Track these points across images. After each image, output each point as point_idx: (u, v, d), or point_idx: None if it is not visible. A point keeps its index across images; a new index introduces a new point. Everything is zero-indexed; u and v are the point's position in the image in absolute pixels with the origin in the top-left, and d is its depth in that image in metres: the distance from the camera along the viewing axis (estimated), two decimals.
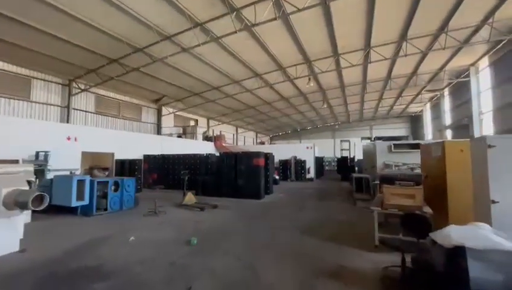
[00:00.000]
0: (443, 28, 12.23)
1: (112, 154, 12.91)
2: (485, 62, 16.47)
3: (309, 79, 16.29)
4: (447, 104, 23.06)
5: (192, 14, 9.96)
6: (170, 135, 20.83)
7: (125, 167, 12.14)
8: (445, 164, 4.25)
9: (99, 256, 4.15)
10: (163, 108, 20.92)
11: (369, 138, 19.91)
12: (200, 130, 24.88)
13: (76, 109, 15.05)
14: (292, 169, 17.83)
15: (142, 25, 10.37)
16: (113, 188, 7.66)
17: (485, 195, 3.18)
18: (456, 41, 12.65)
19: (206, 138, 22.86)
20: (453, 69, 17.95)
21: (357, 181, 9.63)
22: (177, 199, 8.91)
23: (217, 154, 13.99)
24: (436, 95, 24.59)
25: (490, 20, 11.41)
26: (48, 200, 4.35)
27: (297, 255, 4.12)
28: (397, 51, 13.94)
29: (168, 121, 21.58)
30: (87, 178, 6.92)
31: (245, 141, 34.15)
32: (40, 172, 8.02)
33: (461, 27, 12.03)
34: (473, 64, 17.37)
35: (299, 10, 9.08)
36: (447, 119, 22.97)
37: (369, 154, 10.51)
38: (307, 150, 18.91)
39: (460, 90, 19.89)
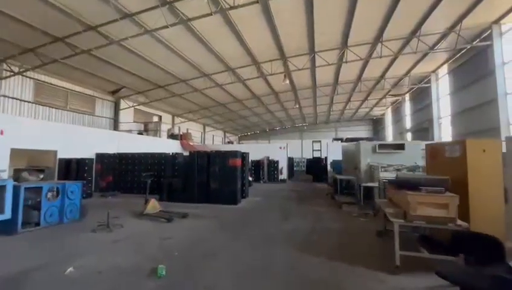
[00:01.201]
0: (415, 32, 12.51)
1: (54, 153, 10.64)
2: (444, 70, 17.60)
3: (284, 76, 15.66)
4: (407, 108, 24.46)
5: None
6: (129, 131, 18.55)
7: (72, 168, 10.06)
8: (466, 166, 3.68)
9: None
10: (122, 101, 18.55)
11: (341, 139, 20.07)
12: (165, 127, 22.79)
13: (8, 97, 12.28)
14: (265, 170, 17.03)
15: None
16: (49, 195, 5.91)
17: None
18: (426, 46, 13.05)
19: (172, 136, 20.96)
20: (415, 75, 18.88)
21: (341, 183, 9.09)
22: (138, 207, 7.39)
23: (185, 153, 12.52)
24: (398, 99, 26.03)
25: (457, 28, 11.94)
26: None
27: (306, 285, 3.18)
28: (371, 53, 14.02)
29: (127, 116, 19.22)
30: (9, 183, 5.11)
31: (213, 140, 32.56)
32: None
33: (431, 32, 12.42)
34: (433, 71, 18.47)
35: None
36: (408, 122, 24.38)
37: (350, 155, 10.11)
38: (279, 151, 18.30)
39: (421, 95, 21.14)
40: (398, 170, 7.56)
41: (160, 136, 18.61)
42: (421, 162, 8.10)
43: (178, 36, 11.62)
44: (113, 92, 17.69)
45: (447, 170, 3.94)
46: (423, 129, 20.37)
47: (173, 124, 24.89)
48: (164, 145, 18.14)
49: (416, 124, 22.10)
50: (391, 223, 5.06)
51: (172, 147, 18.71)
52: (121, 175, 11.52)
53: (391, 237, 4.85)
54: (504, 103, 11.75)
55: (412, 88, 21.21)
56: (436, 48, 13.26)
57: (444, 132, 17.91)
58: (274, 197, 10.76)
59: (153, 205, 6.96)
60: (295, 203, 9.26)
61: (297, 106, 23.52)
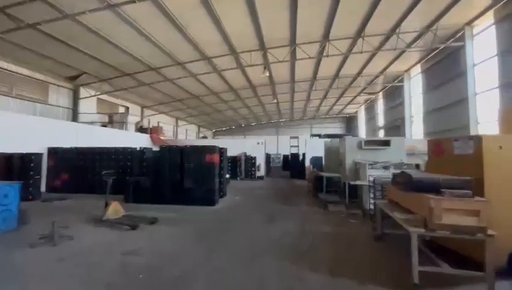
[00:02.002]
0: (395, 29, 12.50)
1: None
2: (417, 69, 18.16)
3: (264, 68, 14.94)
4: (380, 106, 25.18)
5: None
6: (91, 123, 16.62)
7: (14, 165, 8.41)
8: (482, 165, 3.26)
9: None
10: (82, 89, 16.50)
11: (319, 135, 19.95)
12: (133, 120, 20.90)
13: None
14: (242, 167, 16.27)
15: None
16: None
17: None
18: (404, 43, 13.14)
19: (140, 129, 19.26)
20: (389, 73, 19.31)
21: (327, 181, 8.65)
22: (97, 211, 6.22)
23: (155, 148, 11.29)
24: (371, 97, 26.74)
25: (434, 27, 12.12)
26: None
27: None
28: (352, 47, 13.84)
29: (88, 106, 17.19)
30: None
31: (187, 134, 30.98)
32: None
33: (410, 31, 12.49)
34: (407, 71, 19.01)
35: None
36: (381, 120, 25.13)
37: (333, 152, 9.72)
38: (257, 146, 17.63)
39: (393, 94, 21.79)
40: (385, 167, 7.25)
41: (126, 129, 16.90)
42: (405, 159, 7.91)
43: (148, 16, 10.32)
44: (72, 78, 15.62)
45: (456, 169, 3.50)
46: (395, 127, 21.04)
47: (142, 116, 23.02)
48: (131, 139, 16.51)
49: (389, 122, 22.81)
50: (388, 226, 4.64)
51: (140, 142, 17.10)
52: (79, 173, 9.99)
53: (390, 242, 4.43)
54: (474, 103, 12.22)
55: (386, 86, 21.78)
56: (413, 45, 13.41)
57: (416, 129, 18.59)
58: (254, 195, 10.07)
59: (115, 208, 5.87)
60: (277, 202, 8.64)
61: (275, 101, 23.00)
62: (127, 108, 21.43)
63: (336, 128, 37.45)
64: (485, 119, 11.82)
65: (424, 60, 16.72)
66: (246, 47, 13.74)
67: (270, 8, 10.43)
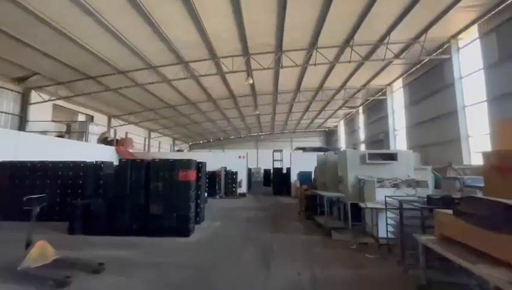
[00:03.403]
0: (383, 39, 12.10)
1: None
2: (399, 83, 18.15)
3: (248, 75, 13.79)
4: (361, 120, 25.10)
5: None
6: (44, 132, 14.17)
7: None
8: None
9: None
10: (34, 93, 14.12)
11: (303, 148, 18.98)
12: (99, 131, 18.42)
13: None
14: (222, 183, 14.60)
15: None
16: None
17: None
18: (392, 54, 12.76)
19: (105, 141, 16.93)
20: (371, 87, 19.17)
21: (322, 201, 7.33)
22: (20, 249, 4.22)
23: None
24: (352, 112, 26.71)
25: (421, 39, 11.87)
26: None
27: None
28: (339, 56, 13.23)
29: (42, 113, 14.75)
30: None
31: (160, 147, 28.66)
32: None
33: (397, 42, 12.16)
34: (389, 84, 18.98)
35: None
36: (361, 134, 24.96)
37: (327, 167, 8.56)
38: (238, 160, 16.13)
39: (374, 108, 21.73)
40: (395, 185, 6.16)
41: (87, 141, 14.60)
42: (414, 175, 6.91)
43: (115, 8, 8.81)
44: (20, 80, 13.26)
45: None
46: (378, 141, 20.77)
47: (109, 126, 20.61)
48: (93, 153, 14.22)
49: (371, 136, 22.59)
50: (437, 273, 3.39)
51: (105, 155, 14.84)
52: (10, 193, 7.74)
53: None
54: (463, 116, 11.93)
55: (368, 100, 21.67)
56: (401, 56, 13.09)
57: (399, 143, 18.32)
58: (237, 219, 8.45)
59: (41, 250, 4.03)
60: (268, 229, 7.10)
61: (257, 112, 21.86)
62: (91, 117, 19.03)
63: (316, 142, 37.11)
64: (474, 133, 11.49)
65: (406, 74, 16.69)
66: (227, 51, 12.57)
67: (256, 8, 9.41)
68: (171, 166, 6.20)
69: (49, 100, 14.36)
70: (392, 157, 6.88)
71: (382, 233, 5.27)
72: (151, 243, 5.49)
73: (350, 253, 4.92)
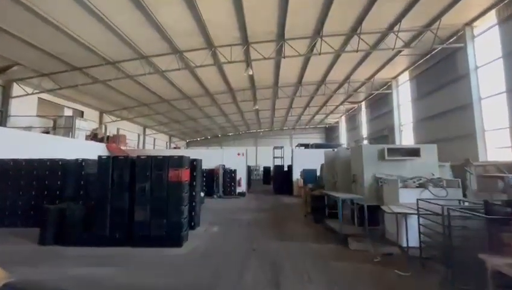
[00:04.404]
0: (392, 27, 11.22)
1: None
2: (405, 77, 17.30)
3: (247, 65, 12.84)
4: (364, 116, 24.27)
5: None
6: (28, 128, 13.19)
7: None
8: None
9: None
10: (16, 85, 13.09)
11: (306, 145, 18.13)
12: (89, 126, 17.35)
13: None
14: (220, 182, 13.71)
15: None
16: None
17: None
18: (402, 42, 11.87)
19: (95, 137, 15.93)
20: (376, 81, 18.28)
21: (333, 202, 6.43)
22: None
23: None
24: (353, 107, 25.87)
25: (434, 26, 10.99)
26: None
27: None
28: (345, 46, 12.32)
29: (25, 108, 13.73)
30: None
31: (155, 144, 27.67)
32: None
33: (407, 29, 11.29)
34: (394, 78, 18.12)
35: None
36: (364, 130, 24.14)
37: (337, 164, 7.70)
38: (237, 158, 15.23)
39: (378, 103, 20.88)
40: (421, 185, 5.31)
41: (74, 137, 13.59)
42: (438, 173, 6.07)
43: None
44: (0, 71, 12.20)
45: None
46: (382, 137, 19.96)
47: (101, 122, 19.58)
48: (82, 150, 13.17)
49: (374, 132, 21.77)
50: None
51: (94, 152, 13.80)
52: None
53: None
54: (479, 109, 11.11)
55: (372, 94, 20.79)
56: (412, 44, 12.20)
57: (405, 139, 17.53)
58: (238, 223, 7.55)
59: None
60: (273, 235, 6.18)
61: (256, 107, 20.92)
62: (81, 112, 18.00)
63: (316, 139, 36.29)
64: (490, 126, 10.69)
65: (413, 66, 15.83)
66: (225, 40, 11.63)
67: None
68: (160, 164, 5.29)
69: (32, 93, 13.31)
70: (414, 152, 6.01)
71: (412, 242, 4.43)
72: (136, 256, 4.59)
73: (375, 268, 4.07)
